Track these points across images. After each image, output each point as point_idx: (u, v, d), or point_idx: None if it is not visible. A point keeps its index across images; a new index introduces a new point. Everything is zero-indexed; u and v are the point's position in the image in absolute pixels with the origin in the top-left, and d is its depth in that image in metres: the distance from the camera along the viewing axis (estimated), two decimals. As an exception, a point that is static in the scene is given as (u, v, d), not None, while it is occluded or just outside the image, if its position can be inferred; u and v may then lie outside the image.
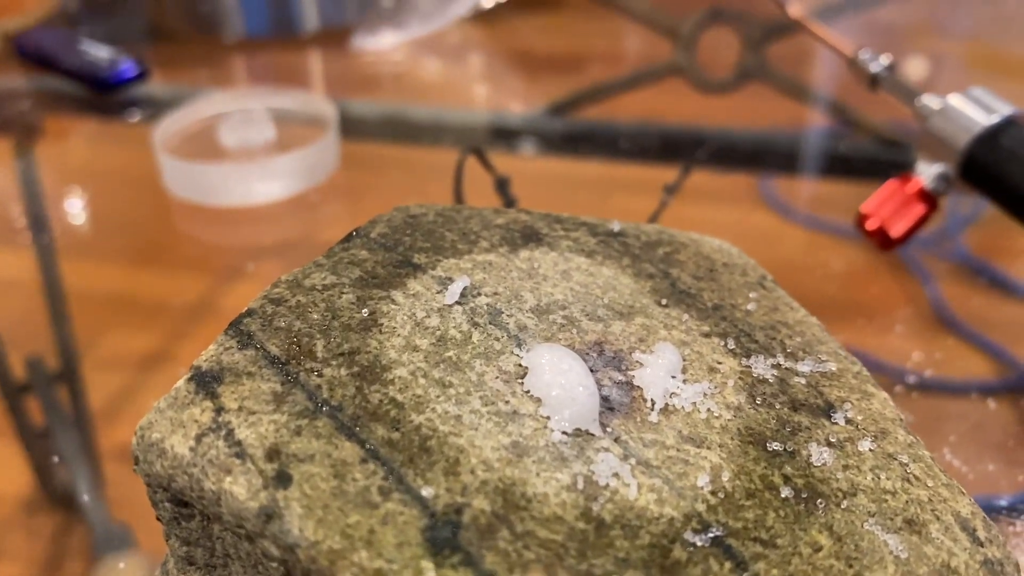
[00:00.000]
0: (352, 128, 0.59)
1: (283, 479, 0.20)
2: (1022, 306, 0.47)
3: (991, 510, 0.33)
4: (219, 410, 0.21)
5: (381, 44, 0.71)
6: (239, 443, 0.20)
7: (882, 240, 0.42)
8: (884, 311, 0.45)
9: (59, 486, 0.38)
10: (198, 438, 0.21)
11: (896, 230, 0.42)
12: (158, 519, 0.23)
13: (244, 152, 0.55)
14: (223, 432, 0.21)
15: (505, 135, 0.63)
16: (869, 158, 0.59)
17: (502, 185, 0.46)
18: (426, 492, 0.20)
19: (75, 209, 0.56)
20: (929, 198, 0.42)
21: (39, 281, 0.50)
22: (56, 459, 0.39)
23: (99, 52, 0.64)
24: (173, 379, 0.42)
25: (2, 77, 0.69)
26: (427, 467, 0.20)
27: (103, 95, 0.63)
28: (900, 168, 0.43)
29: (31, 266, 0.51)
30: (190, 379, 0.22)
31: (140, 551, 0.35)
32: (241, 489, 0.20)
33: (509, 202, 0.45)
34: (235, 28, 0.72)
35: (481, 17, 0.74)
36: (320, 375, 0.22)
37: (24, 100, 0.68)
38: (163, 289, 0.49)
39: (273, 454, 0.20)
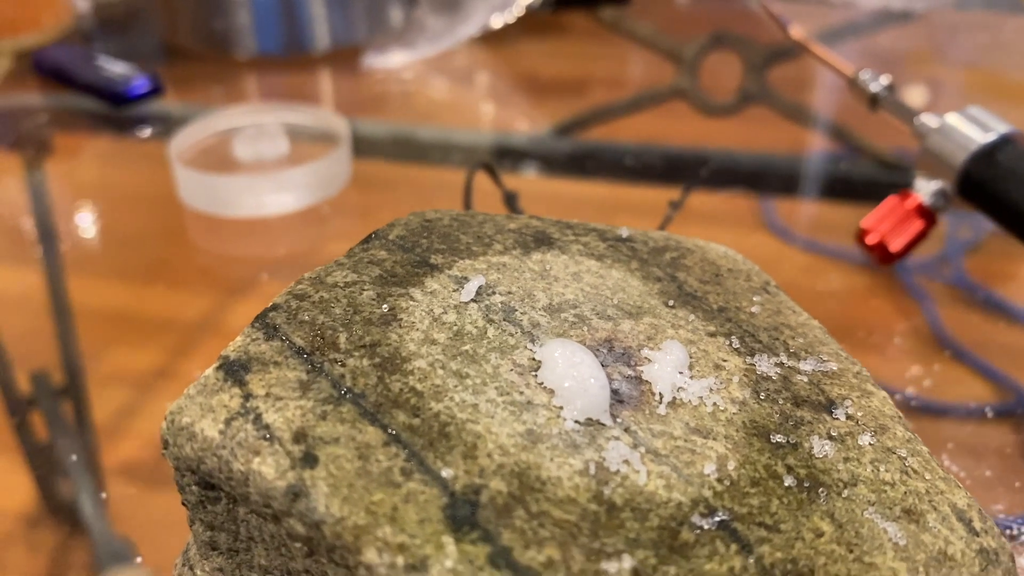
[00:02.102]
0: (362, 147, 0.60)
1: (310, 460, 0.21)
2: (1021, 331, 0.48)
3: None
4: (247, 396, 0.22)
5: (391, 63, 0.72)
6: (267, 426, 0.21)
7: (882, 254, 0.43)
8: (883, 333, 0.45)
9: (62, 500, 0.39)
10: (227, 422, 0.22)
11: (895, 245, 0.43)
12: (183, 504, 0.24)
13: (258, 165, 0.56)
14: (251, 416, 0.22)
15: (511, 155, 0.64)
16: (869, 180, 0.60)
17: (510, 200, 0.47)
18: (446, 473, 0.21)
19: (86, 224, 0.57)
20: (928, 214, 0.43)
21: (47, 296, 0.50)
22: (59, 473, 0.39)
23: (114, 68, 0.66)
24: (179, 393, 0.42)
25: (19, 93, 0.71)
26: (446, 451, 0.21)
27: (118, 109, 0.64)
28: (900, 190, 0.44)
29: (40, 281, 0.52)
30: (219, 368, 0.23)
31: (142, 565, 0.35)
32: (269, 469, 0.20)
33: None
34: (247, 47, 0.73)
35: (489, 39, 0.76)
36: (343, 365, 0.23)
37: (40, 116, 0.69)
38: (172, 303, 0.49)
39: (300, 437, 0.21)
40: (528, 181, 0.61)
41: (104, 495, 0.38)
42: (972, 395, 0.42)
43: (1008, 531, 0.34)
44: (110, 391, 0.43)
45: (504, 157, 0.64)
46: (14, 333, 0.47)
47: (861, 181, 0.60)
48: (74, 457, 0.39)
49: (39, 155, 0.65)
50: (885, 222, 0.43)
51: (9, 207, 0.59)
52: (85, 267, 0.53)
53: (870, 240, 0.43)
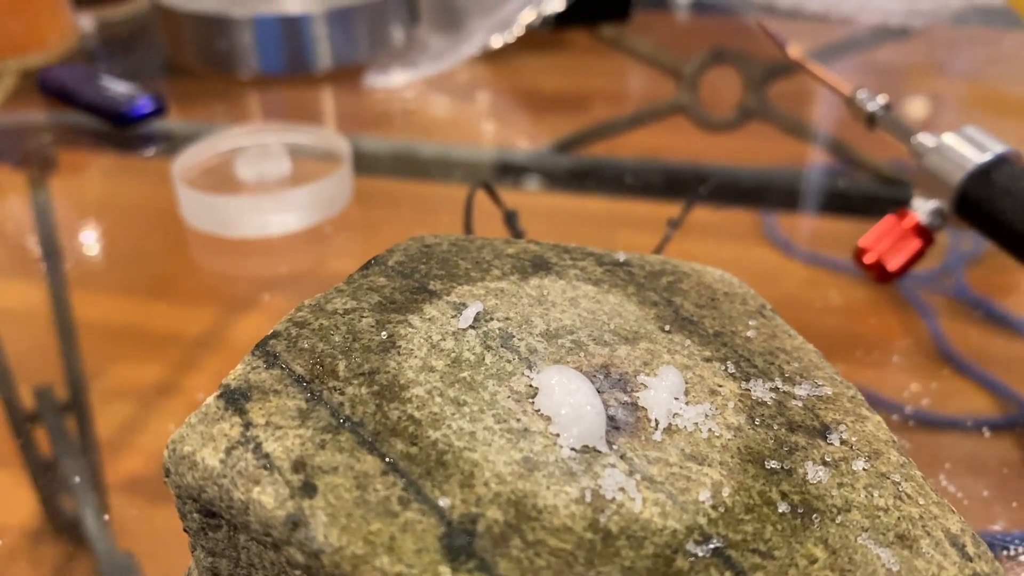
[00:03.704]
0: (364, 164, 0.60)
1: (309, 489, 0.21)
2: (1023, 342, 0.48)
3: (992, 545, 0.34)
4: (247, 425, 0.22)
5: (392, 82, 0.73)
6: (267, 456, 0.22)
7: (880, 273, 0.44)
8: (884, 346, 0.45)
9: (65, 515, 0.39)
10: (228, 451, 0.22)
11: (893, 264, 0.43)
12: (185, 531, 0.24)
13: (260, 185, 0.56)
14: (251, 445, 0.22)
15: (512, 171, 0.65)
16: (869, 195, 0.60)
17: (510, 218, 0.47)
18: (443, 502, 0.21)
19: (90, 240, 0.58)
20: (925, 233, 0.43)
21: (51, 312, 0.51)
22: (63, 489, 0.40)
23: (118, 88, 0.66)
24: (181, 409, 0.42)
25: (24, 111, 0.71)
26: (443, 479, 0.21)
27: (122, 129, 0.65)
28: (899, 204, 0.45)
29: (44, 297, 0.52)
30: (219, 396, 0.23)
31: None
32: (269, 498, 0.21)
33: (517, 235, 0.46)
34: (250, 66, 0.74)
35: (489, 56, 0.76)
36: (342, 393, 0.23)
37: (45, 135, 0.70)
38: (175, 319, 0.49)
39: (299, 466, 0.21)
40: (529, 197, 0.61)
41: (107, 510, 0.38)
42: (975, 408, 0.42)
43: (1006, 550, 0.34)
44: (113, 406, 0.43)
45: (505, 173, 0.64)
46: (19, 349, 0.47)
47: (862, 196, 0.60)
48: (77, 479, 0.39)
49: (44, 172, 0.65)
50: (883, 241, 0.43)
51: (14, 223, 0.60)
52: (89, 283, 0.53)
53: (868, 259, 0.43)
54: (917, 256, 0.43)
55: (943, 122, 0.71)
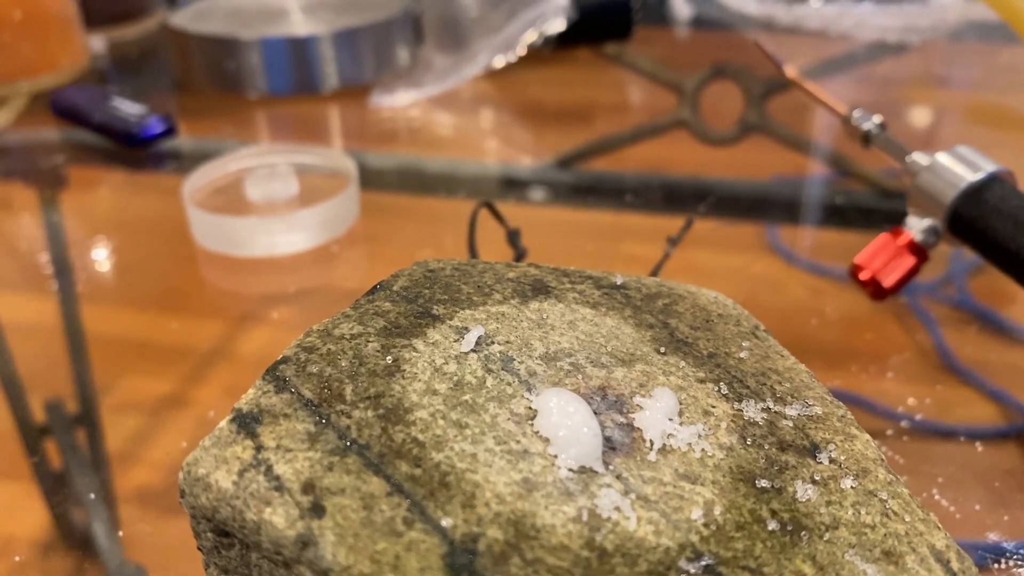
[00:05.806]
0: (370, 180, 0.61)
1: (318, 510, 0.22)
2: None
3: (1001, 552, 0.34)
4: (259, 448, 0.23)
5: (398, 102, 0.74)
6: (278, 478, 0.23)
7: (875, 290, 0.44)
8: (887, 355, 0.46)
9: (75, 528, 0.39)
10: (240, 473, 0.23)
11: (888, 281, 0.44)
12: (199, 548, 0.25)
13: (269, 206, 0.57)
14: (263, 468, 0.23)
15: (516, 186, 0.66)
16: (871, 207, 0.61)
17: (513, 237, 0.48)
18: (445, 522, 0.22)
19: (101, 256, 0.58)
20: (919, 250, 0.44)
21: (61, 326, 0.52)
22: (73, 501, 0.40)
23: (129, 109, 0.67)
24: (191, 423, 0.43)
25: (35, 131, 0.72)
26: (446, 500, 0.22)
27: (132, 150, 0.66)
28: (899, 215, 0.45)
29: (54, 311, 0.53)
30: (232, 420, 0.25)
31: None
32: (280, 519, 0.22)
33: (519, 252, 0.47)
34: (258, 87, 0.75)
35: (492, 73, 0.77)
36: (349, 416, 0.24)
37: (57, 156, 0.71)
38: (184, 335, 0.50)
39: (308, 488, 0.22)
40: (533, 211, 0.62)
41: (118, 523, 0.39)
42: (978, 417, 0.42)
43: (1008, 556, 0.35)
44: (124, 419, 0.44)
45: (509, 188, 0.65)
46: (30, 363, 0.48)
47: (864, 207, 0.61)
48: (92, 496, 0.40)
49: (55, 190, 0.67)
50: (877, 258, 0.44)
51: (26, 239, 0.61)
52: (99, 298, 0.54)
53: (863, 276, 0.44)
54: (912, 273, 0.44)
55: (941, 136, 0.71)
